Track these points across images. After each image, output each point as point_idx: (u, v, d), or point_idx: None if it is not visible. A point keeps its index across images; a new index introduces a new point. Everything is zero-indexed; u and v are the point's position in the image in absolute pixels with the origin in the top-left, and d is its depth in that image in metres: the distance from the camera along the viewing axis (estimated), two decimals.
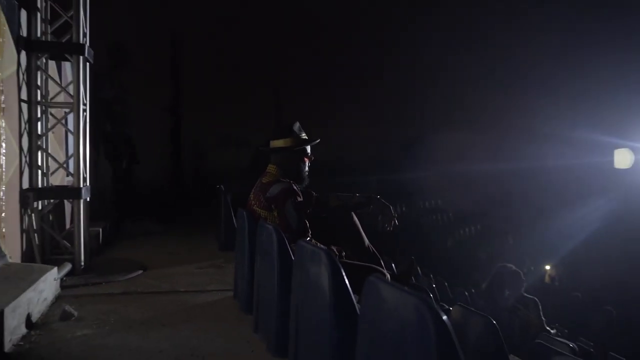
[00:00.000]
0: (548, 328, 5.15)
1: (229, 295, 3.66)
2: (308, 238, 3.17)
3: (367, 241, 3.60)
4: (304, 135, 3.43)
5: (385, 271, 3.43)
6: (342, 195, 3.61)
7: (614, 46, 16.66)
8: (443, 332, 1.26)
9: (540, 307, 5.05)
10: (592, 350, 5.48)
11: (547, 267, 13.03)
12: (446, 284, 7.90)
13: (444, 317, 1.26)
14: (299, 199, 3.18)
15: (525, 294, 5.24)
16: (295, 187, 3.21)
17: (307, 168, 3.45)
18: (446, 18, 16.70)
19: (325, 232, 3.39)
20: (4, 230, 3.51)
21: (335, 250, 3.36)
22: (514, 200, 15.75)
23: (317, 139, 3.49)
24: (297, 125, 3.43)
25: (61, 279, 3.79)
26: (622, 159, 16.25)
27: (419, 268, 8.76)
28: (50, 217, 4.36)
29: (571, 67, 17.34)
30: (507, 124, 16.63)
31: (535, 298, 5.17)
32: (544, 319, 5.06)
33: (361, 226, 3.63)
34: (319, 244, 3.12)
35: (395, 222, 3.55)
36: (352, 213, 3.59)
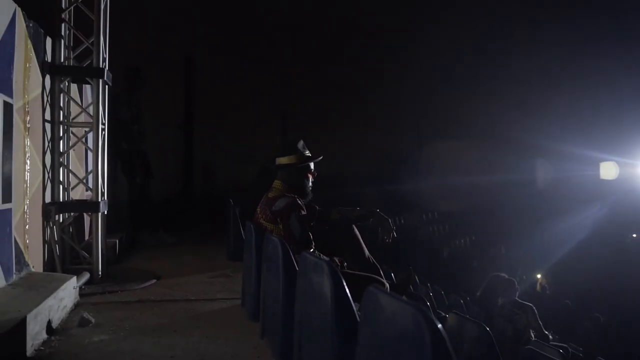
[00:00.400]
0: (546, 332, 5.15)
1: (237, 304, 3.66)
2: (311, 249, 3.18)
3: (367, 252, 3.61)
4: (307, 153, 3.46)
5: (384, 281, 3.43)
6: (344, 209, 3.62)
7: (602, 67, 16.72)
8: (438, 341, 1.26)
9: (536, 312, 5.07)
10: (581, 355, 5.44)
11: (539, 276, 12.95)
12: (442, 292, 7.86)
13: (439, 326, 1.26)
14: (303, 213, 3.20)
15: (523, 301, 5.26)
16: (299, 202, 3.24)
17: (310, 183, 3.48)
18: (442, 33, 16.76)
19: (327, 244, 3.41)
20: (27, 241, 3.53)
21: (337, 261, 3.37)
22: (507, 210, 15.71)
23: (320, 156, 3.52)
24: (301, 143, 3.47)
25: (80, 288, 3.80)
26: (608, 171, 16.28)
27: (417, 277, 8.73)
28: (71, 229, 4.38)
29: (561, 85, 17.41)
30: (501, 137, 16.63)
31: (531, 304, 5.18)
32: (540, 323, 5.08)
33: (362, 238, 3.64)
34: (321, 255, 3.14)
35: (393, 235, 3.56)
36: (353, 226, 3.60)
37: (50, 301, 2.97)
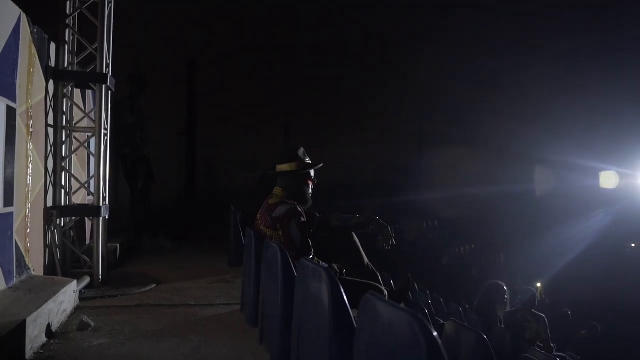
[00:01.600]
0: (552, 345, 5.18)
1: (236, 309, 3.65)
2: (311, 256, 3.18)
3: (366, 259, 3.60)
4: (308, 160, 3.45)
5: (383, 288, 3.42)
6: (343, 216, 3.62)
7: (601, 78, 16.77)
8: (434, 348, 1.25)
9: (547, 324, 5.13)
10: None
11: (538, 285, 12.93)
12: (441, 300, 7.83)
13: (435, 334, 1.26)
14: (303, 220, 3.20)
15: (535, 311, 5.31)
16: (299, 209, 3.23)
17: (310, 190, 3.47)
18: (444, 44, 16.84)
19: (327, 251, 3.40)
20: (28, 245, 3.54)
21: (336, 267, 3.37)
22: (507, 219, 15.71)
23: (321, 164, 3.52)
24: (301, 151, 3.47)
25: (80, 291, 3.79)
26: (607, 180, 16.29)
27: (416, 285, 8.71)
28: (72, 233, 4.38)
29: (561, 96, 17.46)
30: (502, 147, 16.65)
31: (543, 315, 5.24)
32: (549, 334, 5.11)
33: (361, 245, 3.64)
34: (320, 261, 3.14)
35: (392, 242, 3.56)
36: (353, 233, 3.60)
37: (50, 305, 2.97)
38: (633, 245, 15.79)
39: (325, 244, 3.44)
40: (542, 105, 18.44)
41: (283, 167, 3.42)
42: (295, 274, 2.37)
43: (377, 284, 3.40)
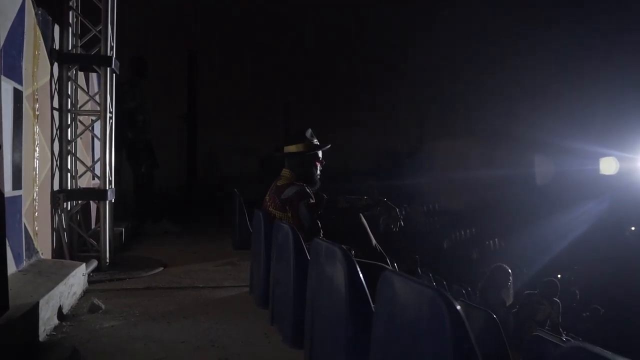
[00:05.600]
0: (562, 331, 5.23)
1: (244, 291, 3.66)
2: (320, 237, 3.18)
3: (374, 241, 3.59)
4: (315, 141, 3.44)
5: (392, 268, 3.43)
6: (351, 198, 3.62)
7: (601, 63, 16.71)
8: (458, 324, 1.24)
9: (561, 310, 5.18)
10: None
11: (559, 276, 13.01)
12: (444, 282, 7.88)
13: (459, 308, 1.24)
14: (312, 201, 3.19)
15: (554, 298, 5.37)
16: (308, 190, 3.22)
17: (318, 172, 3.46)
18: (448, 30, 16.73)
19: (334, 232, 3.39)
20: (36, 228, 3.53)
21: (344, 248, 3.37)
22: (507, 205, 15.73)
23: (329, 144, 3.51)
24: (309, 132, 3.45)
25: (88, 275, 3.80)
26: (608, 166, 16.28)
27: (418, 268, 8.75)
28: (78, 217, 4.37)
29: (561, 81, 17.41)
30: (502, 133, 16.63)
31: (559, 301, 5.29)
32: (560, 320, 5.16)
33: (368, 227, 3.63)
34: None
35: (400, 223, 3.56)
36: (360, 214, 3.59)
37: (60, 287, 2.97)
38: (633, 228, 15.81)
39: (333, 225, 3.44)
40: (543, 89, 18.38)
41: (291, 149, 3.40)
42: (308, 255, 2.37)
43: (386, 265, 3.41)
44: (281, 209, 3.20)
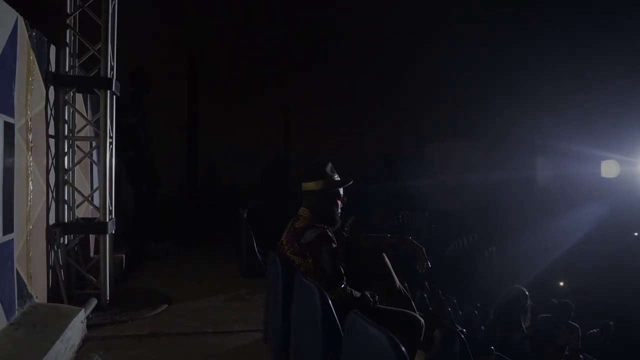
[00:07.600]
0: (581, 356, 4.97)
1: (257, 338, 3.34)
2: (342, 285, 2.87)
3: (398, 282, 3.28)
4: (336, 177, 3.10)
5: (417, 315, 3.12)
6: (372, 236, 3.31)
7: (602, 67, 16.53)
8: None
9: (580, 335, 4.94)
10: None
11: (561, 284, 12.79)
12: (455, 301, 7.58)
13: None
14: (334, 245, 2.87)
15: (571, 322, 5.12)
16: (330, 233, 2.90)
17: (339, 210, 3.14)
18: (446, 33, 16.49)
19: (357, 276, 3.09)
20: (30, 270, 3.20)
21: (369, 295, 3.05)
22: (508, 208, 15.51)
23: (350, 181, 3.17)
24: (329, 167, 3.11)
25: (88, 316, 3.47)
26: (609, 169, 16.09)
27: (427, 284, 8.47)
28: (76, 249, 4.03)
29: (562, 85, 17.22)
30: (503, 136, 16.41)
31: (578, 326, 5.05)
32: (580, 345, 4.92)
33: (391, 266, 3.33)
34: (353, 291, 2.83)
35: (427, 264, 3.25)
36: (384, 254, 3.28)
37: (57, 346, 2.66)
38: (636, 234, 15.62)
39: (354, 267, 3.13)
40: (544, 92, 18.17)
41: (309, 186, 3.05)
42: (341, 331, 2.04)
43: (411, 312, 3.10)
44: (301, 255, 2.87)
